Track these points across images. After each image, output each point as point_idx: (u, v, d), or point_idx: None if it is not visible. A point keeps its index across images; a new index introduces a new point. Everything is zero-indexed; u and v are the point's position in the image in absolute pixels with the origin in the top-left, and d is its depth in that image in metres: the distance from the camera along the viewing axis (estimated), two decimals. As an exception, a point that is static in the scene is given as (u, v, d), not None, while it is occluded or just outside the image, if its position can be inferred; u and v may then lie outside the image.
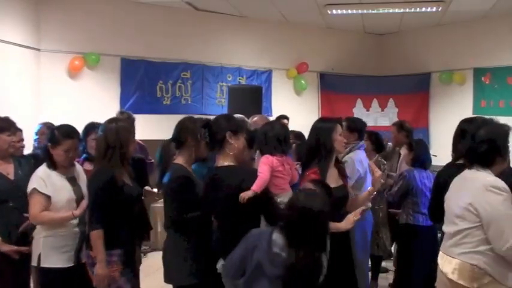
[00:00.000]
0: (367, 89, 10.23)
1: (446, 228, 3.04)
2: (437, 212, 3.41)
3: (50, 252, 3.38)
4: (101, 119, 6.35)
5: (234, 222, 2.98)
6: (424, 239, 4.50)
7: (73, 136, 3.51)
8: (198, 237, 3.14)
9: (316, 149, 3.37)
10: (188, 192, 3.13)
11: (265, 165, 3.19)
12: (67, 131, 3.50)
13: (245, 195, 2.91)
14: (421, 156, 4.79)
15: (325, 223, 2.58)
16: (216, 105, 8.98)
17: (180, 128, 3.32)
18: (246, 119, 4.51)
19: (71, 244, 3.43)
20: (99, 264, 3.18)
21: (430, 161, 4.86)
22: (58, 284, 3.40)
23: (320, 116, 9.95)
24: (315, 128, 3.46)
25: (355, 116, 10.00)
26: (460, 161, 3.40)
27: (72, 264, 3.42)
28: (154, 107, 8.28)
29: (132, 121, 5.22)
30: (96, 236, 3.17)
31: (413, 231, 4.58)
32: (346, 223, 3.19)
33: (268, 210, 3.01)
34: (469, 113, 8.62)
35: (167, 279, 3.25)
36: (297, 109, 9.12)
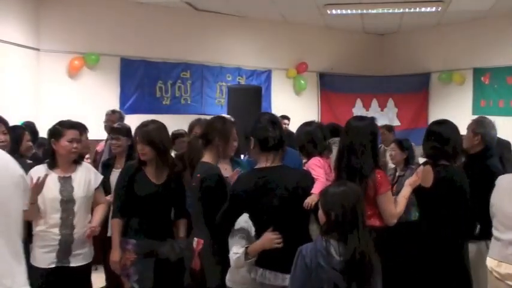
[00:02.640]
0: (367, 89, 10.22)
1: (503, 234, 2.96)
2: None
3: (34, 250, 3.39)
4: (101, 119, 6.39)
5: (286, 226, 2.80)
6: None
7: (76, 127, 3.53)
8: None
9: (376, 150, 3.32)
10: (221, 192, 3.16)
11: (319, 168, 3.13)
12: (69, 122, 3.54)
13: (311, 200, 2.80)
14: (413, 156, 5.00)
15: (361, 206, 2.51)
16: (215, 105, 8.98)
17: (209, 127, 3.39)
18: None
19: (52, 245, 3.37)
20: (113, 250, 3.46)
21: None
22: (40, 283, 3.33)
23: (319, 116, 9.95)
24: (367, 129, 3.32)
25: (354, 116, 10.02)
26: None
27: (54, 266, 3.38)
28: (153, 107, 8.27)
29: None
30: (113, 224, 3.51)
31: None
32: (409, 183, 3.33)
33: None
34: (468, 113, 8.63)
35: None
36: (296, 109, 9.11)
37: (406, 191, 3.30)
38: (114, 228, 3.47)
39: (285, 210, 2.80)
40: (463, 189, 3.44)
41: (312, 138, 3.40)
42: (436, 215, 3.40)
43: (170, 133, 5.10)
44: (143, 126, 3.51)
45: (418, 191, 3.45)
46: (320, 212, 2.53)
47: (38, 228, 3.37)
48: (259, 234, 2.86)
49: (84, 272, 3.54)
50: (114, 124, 5.67)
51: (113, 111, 6.25)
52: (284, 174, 2.86)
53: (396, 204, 3.23)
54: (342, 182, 2.73)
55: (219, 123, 3.37)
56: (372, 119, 3.42)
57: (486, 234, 3.49)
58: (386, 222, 3.18)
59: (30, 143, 4.02)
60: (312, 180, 2.90)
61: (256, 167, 2.97)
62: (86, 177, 3.52)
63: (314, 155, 3.32)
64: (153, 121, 3.59)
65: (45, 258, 3.37)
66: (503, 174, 3.94)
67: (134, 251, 3.41)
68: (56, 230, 3.37)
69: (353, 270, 2.36)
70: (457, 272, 3.38)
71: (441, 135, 3.52)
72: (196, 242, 3.12)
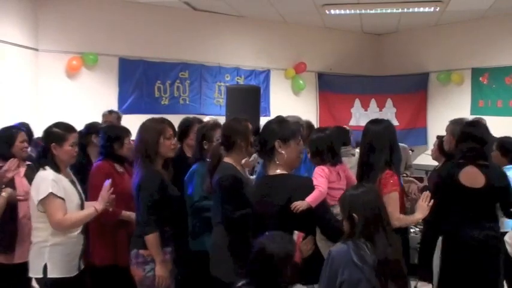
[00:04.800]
0: (365, 89, 10.22)
1: None
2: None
3: (57, 261, 3.19)
4: (99, 119, 6.38)
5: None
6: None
7: (75, 130, 3.43)
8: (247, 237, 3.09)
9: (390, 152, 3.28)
10: (238, 191, 3.14)
11: (322, 177, 3.01)
12: (68, 125, 3.40)
13: (300, 205, 2.69)
14: (401, 158, 5.01)
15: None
16: (214, 105, 8.98)
17: (229, 130, 3.37)
18: (300, 120, 4.52)
19: (75, 251, 3.28)
20: (159, 265, 3.26)
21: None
22: None
23: (318, 116, 9.96)
24: (385, 131, 3.31)
25: (353, 116, 10.04)
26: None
27: (77, 273, 3.29)
28: (152, 107, 8.25)
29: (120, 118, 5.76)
30: (153, 239, 3.22)
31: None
32: (422, 211, 3.12)
33: (325, 222, 2.81)
34: (467, 113, 8.63)
35: (214, 272, 3.31)
36: (295, 109, 9.06)
37: (416, 219, 3.27)
38: (155, 243, 3.22)
39: (283, 220, 2.74)
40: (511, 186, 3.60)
41: (317, 148, 3.27)
42: (491, 213, 3.53)
43: None
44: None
45: (467, 193, 3.51)
46: (345, 222, 2.52)
47: (67, 236, 3.23)
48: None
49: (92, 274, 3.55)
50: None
51: (110, 112, 6.07)
52: (283, 183, 2.80)
53: (401, 217, 3.18)
54: (359, 184, 2.69)
55: (237, 124, 3.37)
56: (389, 122, 3.43)
57: None
58: None
59: (25, 144, 3.98)
60: (311, 189, 2.79)
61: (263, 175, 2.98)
62: (76, 180, 3.49)
63: (318, 164, 3.20)
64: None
65: (70, 266, 3.25)
66: None
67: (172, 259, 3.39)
68: (80, 235, 3.33)
69: (387, 269, 2.35)
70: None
71: (478, 137, 3.63)
72: (297, 235, 3.00)
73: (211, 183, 3.36)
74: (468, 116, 7.54)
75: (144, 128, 3.40)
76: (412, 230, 5.85)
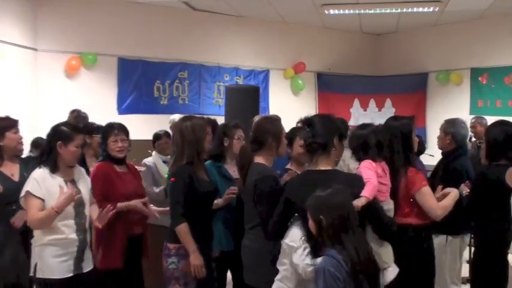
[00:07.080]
0: (365, 89, 10.23)
1: None
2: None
3: (47, 261, 3.15)
4: (98, 119, 6.40)
5: None
6: None
7: (82, 130, 3.40)
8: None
9: (408, 149, 3.30)
10: (276, 192, 3.01)
11: (370, 170, 2.96)
12: (76, 126, 3.37)
13: (359, 202, 2.63)
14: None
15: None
16: (213, 105, 8.98)
17: (260, 129, 3.27)
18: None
19: (70, 252, 3.21)
20: (193, 254, 3.25)
21: None
22: None
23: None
24: (401, 130, 3.33)
25: (352, 116, 10.04)
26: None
27: (71, 275, 3.20)
28: (151, 107, 8.28)
29: (82, 118, 5.63)
30: (183, 229, 3.23)
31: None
32: (455, 195, 3.26)
33: (376, 219, 2.79)
34: (466, 113, 8.64)
35: (247, 279, 3.19)
36: (294, 109, 9.07)
37: (452, 201, 3.28)
38: (186, 233, 3.23)
39: None
40: None
41: (364, 144, 3.18)
42: None
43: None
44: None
45: None
46: (310, 222, 2.48)
47: (55, 237, 3.16)
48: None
49: (94, 277, 3.42)
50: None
51: (71, 111, 6.09)
52: (333, 179, 2.72)
53: (441, 205, 3.23)
54: (327, 186, 2.62)
55: (269, 124, 3.29)
56: (407, 119, 3.43)
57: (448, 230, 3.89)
58: (431, 217, 3.20)
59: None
60: (362, 185, 2.77)
61: (307, 169, 2.90)
62: (83, 179, 3.42)
63: (364, 159, 3.15)
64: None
65: (63, 267, 3.17)
66: (468, 172, 4.03)
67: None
68: (74, 236, 3.23)
69: (361, 271, 2.34)
70: None
71: None
72: None
73: (244, 183, 3.25)
74: (467, 116, 7.55)
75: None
76: None
